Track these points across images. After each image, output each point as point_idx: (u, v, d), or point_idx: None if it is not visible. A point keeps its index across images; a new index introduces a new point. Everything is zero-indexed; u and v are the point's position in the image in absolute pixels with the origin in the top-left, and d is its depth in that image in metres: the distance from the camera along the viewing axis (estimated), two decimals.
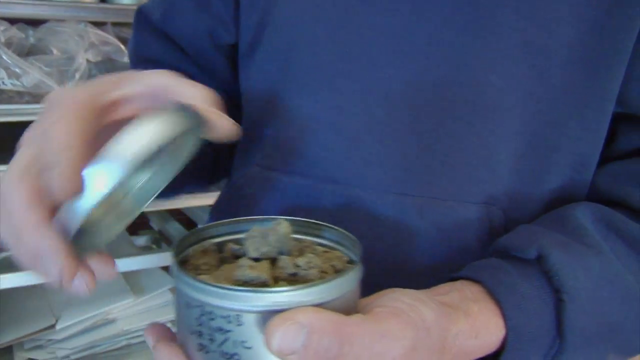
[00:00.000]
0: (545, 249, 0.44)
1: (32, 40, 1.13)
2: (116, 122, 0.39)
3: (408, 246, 0.50)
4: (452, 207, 0.49)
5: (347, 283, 0.35)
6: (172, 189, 0.45)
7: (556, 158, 0.50)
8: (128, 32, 1.32)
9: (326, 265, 0.38)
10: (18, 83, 1.04)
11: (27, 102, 1.06)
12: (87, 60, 1.13)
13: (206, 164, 0.60)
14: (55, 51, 1.14)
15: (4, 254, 1.30)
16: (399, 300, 0.38)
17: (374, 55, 0.49)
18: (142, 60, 0.62)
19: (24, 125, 1.04)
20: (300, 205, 0.51)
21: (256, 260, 0.37)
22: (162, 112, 0.34)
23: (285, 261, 0.37)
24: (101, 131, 0.37)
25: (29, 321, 1.18)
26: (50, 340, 1.17)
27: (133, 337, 1.25)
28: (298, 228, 0.42)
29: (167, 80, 0.40)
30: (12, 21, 1.10)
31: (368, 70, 0.49)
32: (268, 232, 0.38)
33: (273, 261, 0.37)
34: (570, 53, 0.47)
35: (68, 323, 1.18)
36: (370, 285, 0.38)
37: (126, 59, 1.18)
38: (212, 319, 0.34)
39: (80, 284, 0.35)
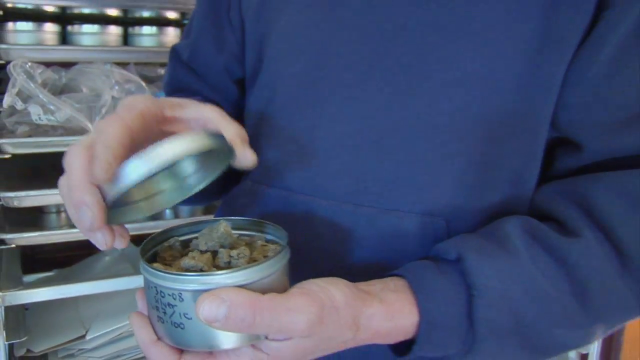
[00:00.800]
0: (465, 252, 0.50)
1: (64, 80, 1.23)
2: (166, 133, 0.49)
3: (359, 251, 0.56)
4: (400, 217, 0.55)
5: (265, 269, 0.42)
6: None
7: (495, 175, 0.55)
8: (149, 70, 1.43)
9: (259, 255, 0.47)
10: (52, 118, 1.15)
11: (61, 135, 1.17)
12: (113, 97, 1.22)
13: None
14: (84, 89, 1.24)
15: (38, 275, 1.42)
16: (313, 283, 0.45)
17: (338, 87, 0.57)
18: (176, 90, 0.73)
19: (58, 155, 1.18)
20: (277, 212, 0.59)
21: (205, 252, 0.46)
22: (194, 133, 0.44)
23: (222, 253, 0.45)
24: (154, 138, 0.46)
25: (62, 332, 1.27)
26: (81, 349, 1.27)
27: None
28: (248, 226, 0.52)
29: (213, 114, 0.50)
30: (47, 64, 1.21)
31: (333, 99, 0.57)
32: (213, 230, 0.47)
33: (216, 253, 0.46)
34: (509, 84, 0.53)
35: (97, 334, 1.27)
36: None
37: (147, 94, 1.30)
38: (163, 297, 0.43)
39: (101, 238, 0.44)
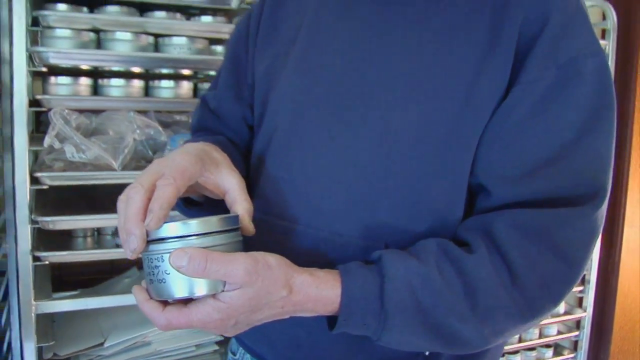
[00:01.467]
0: (384, 254, 0.63)
1: (94, 124, 1.40)
2: (200, 186, 0.65)
3: (316, 262, 0.65)
4: (348, 240, 0.68)
5: (219, 239, 0.58)
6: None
7: (423, 209, 0.67)
8: (166, 117, 1.59)
9: None
10: (84, 156, 1.31)
11: (90, 170, 1.33)
12: (134, 139, 1.40)
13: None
14: (111, 132, 1.41)
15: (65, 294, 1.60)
16: (255, 251, 0.59)
17: (306, 140, 0.71)
18: (202, 129, 0.89)
19: (87, 188, 1.40)
20: (260, 232, 0.66)
21: None
22: (218, 218, 0.59)
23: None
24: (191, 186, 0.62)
25: (84, 340, 1.42)
26: (99, 355, 1.42)
27: (164, 357, 1.50)
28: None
29: (235, 187, 0.64)
30: (81, 111, 1.39)
31: (303, 148, 0.71)
32: None
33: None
34: (434, 140, 0.65)
35: (114, 342, 1.42)
36: None
37: (163, 138, 1.48)
38: (151, 262, 0.58)
39: (132, 250, 0.57)
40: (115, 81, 1.43)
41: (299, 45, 0.77)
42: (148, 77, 1.52)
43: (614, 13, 1.81)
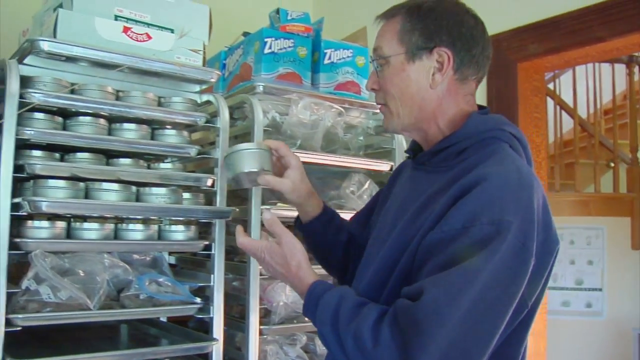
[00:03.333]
0: (344, 287, 1.13)
1: (67, 265, 1.49)
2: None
3: None
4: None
5: (255, 145, 1.36)
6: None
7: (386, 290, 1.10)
8: (126, 256, 1.71)
9: None
10: (59, 297, 1.41)
11: (63, 311, 1.41)
12: (106, 279, 1.51)
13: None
14: (81, 273, 1.50)
15: None
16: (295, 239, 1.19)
17: (371, 258, 1.18)
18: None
19: (60, 329, 1.48)
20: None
21: None
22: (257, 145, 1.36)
23: None
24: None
25: None
26: None
27: None
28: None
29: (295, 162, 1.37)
30: (55, 253, 1.48)
31: (366, 264, 1.20)
32: None
33: None
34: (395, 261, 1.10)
35: None
36: None
37: (131, 277, 1.57)
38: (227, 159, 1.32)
39: None
40: (87, 224, 1.54)
41: (381, 212, 1.30)
42: (117, 219, 1.62)
43: None
